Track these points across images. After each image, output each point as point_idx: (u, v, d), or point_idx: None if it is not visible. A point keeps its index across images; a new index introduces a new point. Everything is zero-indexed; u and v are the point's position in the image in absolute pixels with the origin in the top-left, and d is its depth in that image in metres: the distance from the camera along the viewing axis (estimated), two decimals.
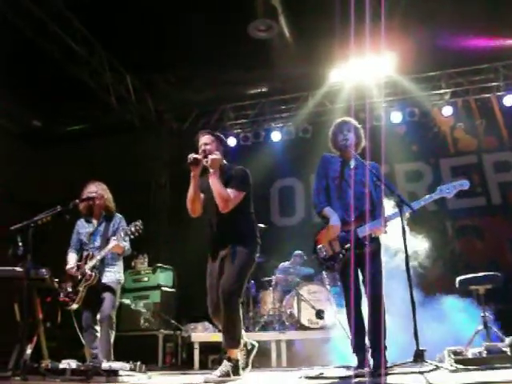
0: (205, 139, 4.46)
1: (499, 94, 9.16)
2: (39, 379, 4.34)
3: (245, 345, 4.49)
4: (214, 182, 4.24)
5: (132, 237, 5.10)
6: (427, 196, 4.47)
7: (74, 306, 5.09)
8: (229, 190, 4.24)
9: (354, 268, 4.33)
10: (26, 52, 7.45)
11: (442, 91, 9.37)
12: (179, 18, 7.38)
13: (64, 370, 4.36)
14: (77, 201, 5.27)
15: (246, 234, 4.37)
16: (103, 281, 5.19)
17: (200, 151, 4.37)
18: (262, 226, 7.70)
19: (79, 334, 5.26)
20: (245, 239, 4.33)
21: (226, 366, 4.16)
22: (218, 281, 4.27)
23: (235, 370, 4.20)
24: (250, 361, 4.55)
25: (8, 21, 6.76)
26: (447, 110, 9.29)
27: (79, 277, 5.13)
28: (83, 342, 5.17)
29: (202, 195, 4.40)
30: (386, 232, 4.29)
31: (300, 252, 7.93)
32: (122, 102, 9.18)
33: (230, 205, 4.23)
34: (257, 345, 4.62)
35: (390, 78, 9.17)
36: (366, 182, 4.49)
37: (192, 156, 4.25)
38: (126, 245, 5.29)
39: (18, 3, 6.74)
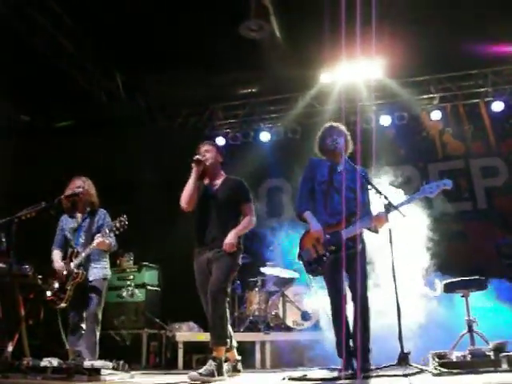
0: (205, 147, 4.91)
1: (487, 99, 9.20)
2: (20, 377, 4.29)
3: (235, 361, 4.76)
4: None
5: (117, 232, 5.08)
6: (410, 196, 4.48)
7: (63, 305, 5.05)
8: (245, 206, 4.80)
9: (340, 270, 4.33)
10: (14, 46, 7.36)
11: (430, 96, 9.40)
12: (170, 16, 7.33)
13: (45, 367, 4.32)
14: (62, 196, 5.22)
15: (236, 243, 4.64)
16: (90, 278, 5.15)
17: (201, 155, 4.84)
18: None
19: (62, 331, 5.21)
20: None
21: (210, 365, 4.22)
22: (207, 282, 4.54)
23: (219, 370, 4.24)
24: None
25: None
26: (436, 115, 9.32)
27: (66, 275, 5.07)
28: (64, 340, 5.13)
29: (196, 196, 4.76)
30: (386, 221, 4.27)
31: (275, 244, 7.90)
32: (111, 100, 9.11)
33: (254, 219, 4.81)
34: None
35: (380, 82, 9.17)
36: (354, 187, 4.49)
37: (196, 157, 4.75)
38: (112, 241, 5.25)
39: None
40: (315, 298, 6.95)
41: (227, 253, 4.55)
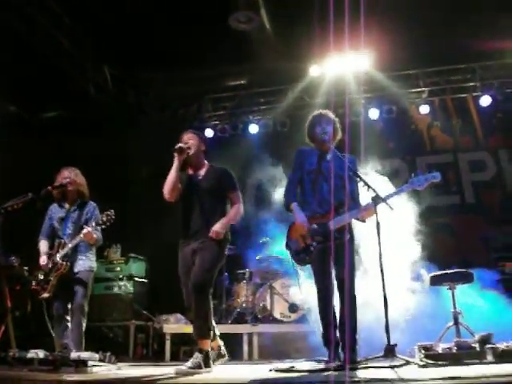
0: (188, 135, 4.82)
1: (475, 94, 9.23)
2: (6, 368, 4.28)
3: (218, 348, 4.66)
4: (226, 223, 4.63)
5: (104, 226, 5.06)
6: (398, 188, 4.49)
7: (45, 295, 5.01)
8: (232, 194, 4.73)
9: (327, 260, 4.35)
10: (4, 38, 7.28)
11: (419, 89, 9.42)
12: (159, 9, 7.28)
13: (32, 359, 4.31)
14: (49, 188, 5.19)
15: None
16: (75, 269, 5.12)
17: (184, 143, 4.74)
18: None
19: (48, 323, 5.19)
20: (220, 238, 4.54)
21: (197, 357, 4.20)
22: (190, 273, 4.43)
23: (206, 362, 4.22)
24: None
25: None
26: (424, 109, 9.34)
27: (50, 266, 5.05)
28: (51, 331, 5.10)
29: (179, 186, 4.67)
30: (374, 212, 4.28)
31: (265, 238, 7.92)
32: (100, 92, 9.04)
33: (241, 207, 4.74)
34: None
35: (369, 75, 9.18)
36: (342, 175, 4.50)
37: (178, 145, 4.65)
38: (99, 235, 5.24)
39: None
40: (302, 290, 6.97)
41: (213, 242, 4.47)
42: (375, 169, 6.38)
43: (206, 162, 4.89)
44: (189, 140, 4.76)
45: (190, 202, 4.66)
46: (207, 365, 4.21)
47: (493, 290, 5.93)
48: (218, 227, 4.50)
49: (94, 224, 5.03)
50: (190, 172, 4.84)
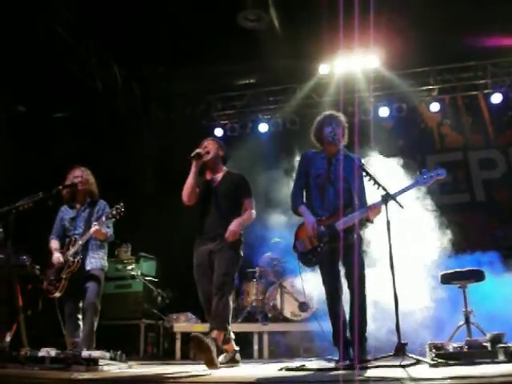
0: (208, 141, 5.01)
1: (486, 91, 9.19)
2: (18, 367, 4.29)
3: (234, 352, 4.88)
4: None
5: (114, 219, 5.09)
6: (405, 186, 4.47)
7: (57, 294, 5.04)
8: (246, 201, 4.88)
9: (335, 261, 4.35)
10: (11, 37, 7.31)
11: (429, 87, 9.38)
12: (168, 7, 7.29)
13: (43, 358, 4.32)
14: (60, 187, 5.21)
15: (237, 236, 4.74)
16: (87, 268, 5.14)
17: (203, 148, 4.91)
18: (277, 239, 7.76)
19: (61, 322, 5.21)
20: (235, 240, 4.70)
21: (226, 356, 4.73)
22: (208, 275, 4.65)
23: (218, 352, 4.31)
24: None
25: None
26: (434, 107, 9.30)
27: (62, 263, 5.07)
28: (63, 330, 5.12)
29: (197, 190, 4.84)
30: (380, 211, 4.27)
31: (276, 239, 7.93)
32: (108, 91, 9.07)
33: (254, 213, 4.90)
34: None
35: (379, 73, 9.16)
36: (348, 177, 4.49)
37: (196, 151, 4.79)
38: (109, 231, 5.26)
39: None
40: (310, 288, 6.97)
41: (229, 244, 4.63)
42: (384, 167, 6.36)
43: (224, 167, 5.07)
44: (208, 145, 4.94)
45: (207, 205, 4.82)
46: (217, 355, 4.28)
47: (504, 289, 5.88)
48: (234, 225, 4.64)
49: (103, 219, 5.05)
50: (208, 177, 5.01)
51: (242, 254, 4.85)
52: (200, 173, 4.90)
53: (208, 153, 4.88)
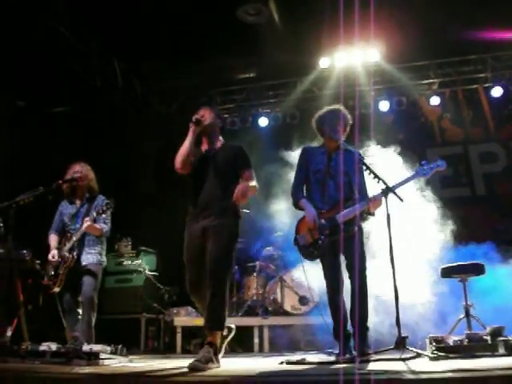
0: (204, 110, 4.64)
1: (487, 85, 9.19)
2: (19, 361, 4.30)
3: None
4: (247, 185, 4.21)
5: (104, 216, 5.08)
6: (405, 178, 4.47)
7: (56, 289, 5.07)
8: (247, 172, 4.40)
9: (336, 254, 4.35)
10: (11, 33, 7.30)
11: (430, 81, 9.37)
12: (167, 1, 7.26)
13: (44, 352, 4.33)
14: (60, 181, 5.22)
15: (230, 208, 4.26)
16: (83, 263, 5.15)
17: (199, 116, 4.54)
18: (246, 211, 7.72)
19: (62, 316, 5.23)
20: (228, 213, 4.25)
21: (209, 351, 3.89)
22: (199, 256, 4.18)
23: (216, 356, 3.97)
24: (224, 346, 4.39)
25: None
26: (435, 100, 9.31)
27: (59, 260, 5.09)
28: (65, 324, 5.14)
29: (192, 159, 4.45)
30: (380, 203, 4.27)
31: (279, 233, 7.94)
32: (108, 86, 9.06)
33: (255, 184, 4.38)
34: (234, 327, 4.49)
35: (379, 67, 9.15)
36: (349, 171, 4.49)
37: (195, 116, 4.49)
38: (106, 227, 5.26)
39: None
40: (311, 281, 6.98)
41: (226, 220, 4.19)
42: (385, 161, 6.35)
43: (221, 138, 4.67)
44: (205, 113, 4.57)
45: (201, 177, 4.39)
46: (217, 360, 3.96)
47: (504, 282, 5.89)
48: (243, 185, 4.14)
49: (94, 214, 5.05)
50: (205, 148, 4.60)
51: (238, 232, 4.34)
52: (196, 145, 4.54)
53: (205, 119, 4.51)
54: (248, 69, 9.57)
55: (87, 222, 5.03)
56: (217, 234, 4.14)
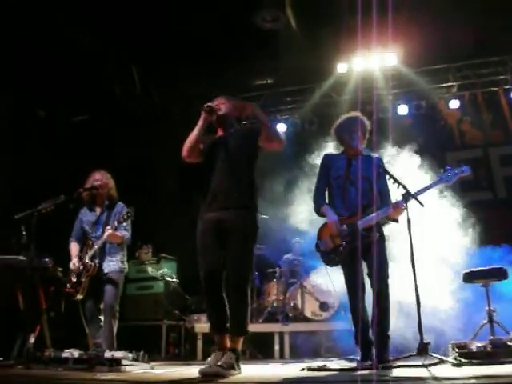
0: (220, 99, 4.53)
1: (507, 87, 9.08)
2: (42, 368, 4.35)
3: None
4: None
5: (125, 224, 5.11)
6: (428, 184, 4.44)
7: (79, 297, 5.09)
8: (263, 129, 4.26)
9: (357, 260, 4.33)
10: (30, 43, 7.42)
11: (449, 84, 9.30)
12: (185, 8, 7.31)
13: (67, 358, 4.38)
14: (80, 190, 5.27)
15: (250, 199, 4.12)
16: (105, 270, 5.18)
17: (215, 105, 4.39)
18: (265, 216, 7.73)
19: (84, 323, 5.27)
20: (248, 204, 4.09)
21: (231, 357, 3.79)
22: (213, 243, 4.01)
23: (238, 363, 3.87)
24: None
25: (13, 11, 6.75)
26: (454, 103, 9.22)
27: (81, 267, 5.13)
28: (87, 331, 5.18)
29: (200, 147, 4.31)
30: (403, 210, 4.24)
31: (297, 239, 7.94)
32: (126, 94, 9.15)
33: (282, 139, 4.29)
34: None
35: (397, 71, 9.11)
36: (370, 176, 4.47)
37: (208, 104, 4.31)
38: (127, 234, 5.27)
39: None
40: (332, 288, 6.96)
41: (245, 211, 4.01)
42: (404, 165, 6.31)
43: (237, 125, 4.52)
44: (219, 104, 4.43)
45: (213, 164, 4.17)
46: (238, 366, 3.87)
47: None
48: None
49: (115, 223, 5.08)
50: (219, 134, 4.44)
51: (258, 225, 4.11)
52: (211, 131, 4.41)
53: (219, 109, 4.36)
54: (265, 75, 9.59)
55: (108, 231, 5.06)
56: (237, 232, 3.96)
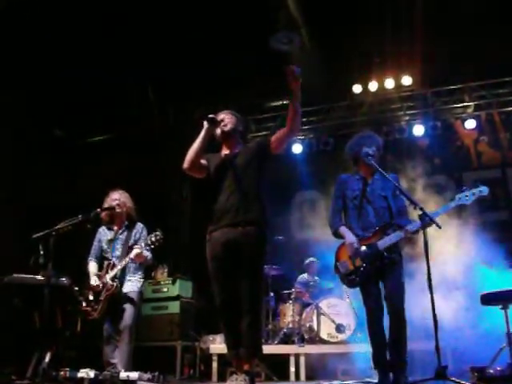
0: (225, 113, 4.40)
1: None
2: None
3: None
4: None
5: (152, 247, 5.08)
6: (445, 205, 4.40)
7: (96, 316, 5.08)
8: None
9: (376, 281, 4.29)
10: (47, 64, 7.55)
11: (464, 104, 9.28)
12: (201, 32, 7.41)
13: (82, 379, 4.38)
14: (99, 210, 5.29)
15: (258, 214, 4.05)
16: (124, 290, 5.17)
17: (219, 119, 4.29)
18: (280, 238, 7.72)
19: (100, 343, 5.27)
20: (257, 219, 4.02)
21: (245, 380, 3.79)
22: (228, 270, 3.98)
23: None
24: None
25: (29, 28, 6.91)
26: (470, 124, 9.17)
27: (100, 287, 5.13)
28: (103, 351, 5.17)
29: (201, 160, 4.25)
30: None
31: (312, 259, 7.91)
32: (144, 114, 9.25)
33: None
34: None
35: (412, 91, 9.13)
36: (387, 195, 4.46)
37: (211, 115, 4.18)
38: (149, 254, 5.25)
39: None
40: (350, 310, 6.92)
41: (255, 229, 3.94)
42: (421, 186, 6.30)
43: (241, 143, 4.41)
44: (225, 118, 4.30)
45: (223, 184, 4.11)
46: None
47: None
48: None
49: (142, 244, 5.07)
50: (225, 152, 4.35)
51: (268, 241, 4.05)
52: (216, 150, 4.33)
53: (225, 125, 4.25)
54: (281, 96, 9.64)
55: (137, 250, 5.02)
56: (246, 254, 3.91)
